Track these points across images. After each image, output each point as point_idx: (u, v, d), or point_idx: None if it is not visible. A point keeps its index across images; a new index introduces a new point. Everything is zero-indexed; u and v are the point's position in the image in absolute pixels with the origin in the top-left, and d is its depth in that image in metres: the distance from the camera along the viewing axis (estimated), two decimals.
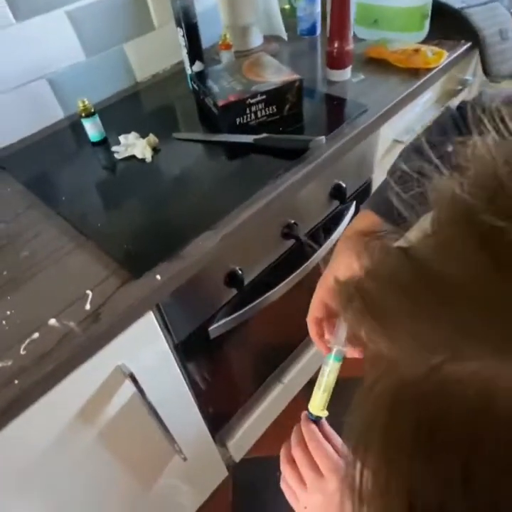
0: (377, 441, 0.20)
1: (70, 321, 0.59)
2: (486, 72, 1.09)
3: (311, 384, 1.36)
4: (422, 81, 0.95)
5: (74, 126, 0.98)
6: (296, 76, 0.88)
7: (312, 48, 1.19)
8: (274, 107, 0.88)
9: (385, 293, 0.19)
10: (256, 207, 0.72)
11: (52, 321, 0.59)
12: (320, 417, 0.46)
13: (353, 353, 0.45)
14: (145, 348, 0.70)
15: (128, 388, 0.69)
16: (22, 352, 0.56)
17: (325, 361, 0.47)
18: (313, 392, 0.48)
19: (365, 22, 1.10)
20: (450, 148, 0.47)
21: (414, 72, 0.97)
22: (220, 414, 1.06)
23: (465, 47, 1.04)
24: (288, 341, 1.18)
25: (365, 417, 0.20)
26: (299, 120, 0.91)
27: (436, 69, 0.97)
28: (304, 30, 1.20)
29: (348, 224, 1.01)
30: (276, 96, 0.87)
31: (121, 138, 0.88)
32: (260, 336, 1.04)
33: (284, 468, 0.44)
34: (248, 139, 0.84)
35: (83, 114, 0.87)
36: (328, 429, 0.45)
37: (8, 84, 0.90)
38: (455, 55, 1.01)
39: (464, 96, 1.24)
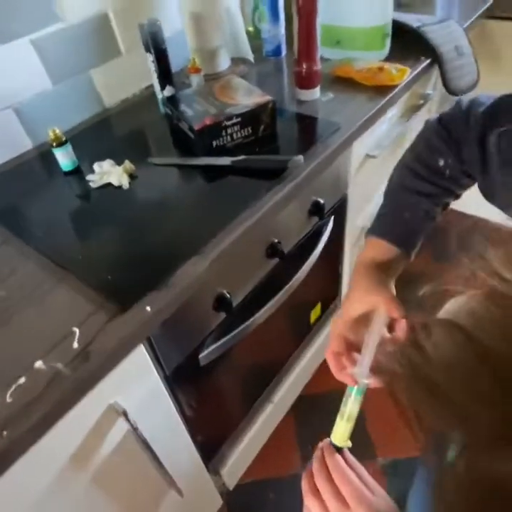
0: None
1: (58, 362, 0.56)
2: (446, 86, 1.14)
3: (301, 400, 1.36)
4: (388, 97, 0.99)
5: (43, 155, 0.95)
6: (268, 97, 0.89)
7: (278, 68, 1.21)
8: (249, 129, 0.89)
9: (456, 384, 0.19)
10: (241, 228, 0.71)
11: (39, 364, 0.56)
12: (342, 447, 0.46)
13: (376, 383, 0.44)
14: (136, 383, 0.67)
15: (121, 426, 0.66)
16: (8, 400, 0.53)
17: (347, 392, 0.47)
18: (336, 422, 0.47)
19: (328, 42, 1.13)
20: (441, 163, 0.49)
21: (380, 89, 1.01)
22: (212, 442, 1.03)
23: (425, 63, 1.09)
24: (275, 360, 1.17)
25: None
26: (274, 140, 0.92)
27: (401, 85, 1.01)
28: (269, 51, 1.23)
29: (328, 240, 1.02)
30: (250, 118, 0.87)
31: (96, 166, 0.86)
32: (249, 357, 1.02)
33: (308, 498, 0.43)
34: (226, 161, 0.84)
35: (54, 144, 0.84)
36: (351, 459, 0.44)
37: None
38: (417, 71, 1.06)
39: (427, 109, 1.29)
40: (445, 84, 1.14)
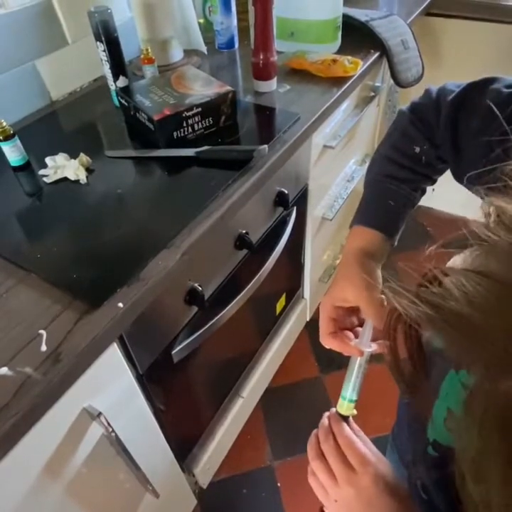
0: (497, 470, 0.19)
1: (26, 366, 0.52)
2: (395, 78, 1.18)
3: (268, 392, 1.36)
4: (344, 88, 1.01)
5: None
6: (228, 88, 0.88)
7: (232, 60, 1.20)
8: (210, 119, 0.87)
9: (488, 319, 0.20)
10: (210, 220, 0.70)
11: (4, 370, 0.52)
12: (347, 416, 0.47)
13: (380, 349, 0.46)
14: (110, 384, 0.64)
15: (96, 430, 0.63)
16: None
17: (351, 365, 0.49)
18: (342, 394, 0.48)
19: (282, 35, 1.14)
20: (417, 150, 0.51)
21: (335, 81, 1.03)
22: (185, 441, 1.01)
23: (375, 56, 1.12)
24: (244, 353, 1.17)
25: (476, 444, 0.20)
26: (235, 131, 0.91)
27: (355, 77, 1.04)
28: (222, 44, 1.21)
29: (291, 230, 1.03)
30: (211, 108, 0.86)
31: (48, 160, 0.81)
32: (219, 352, 1.01)
33: (314, 462, 0.44)
34: (190, 152, 0.82)
35: (1, 137, 0.78)
36: (355, 427, 0.46)
37: None
38: (368, 63, 1.09)
39: (377, 101, 1.34)
40: (393, 76, 1.18)
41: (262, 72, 1.00)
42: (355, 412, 0.48)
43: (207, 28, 1.24)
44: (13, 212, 0.75)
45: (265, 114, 0.96)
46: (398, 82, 1.20)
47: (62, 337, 0.55)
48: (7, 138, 0.79)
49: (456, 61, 1.57)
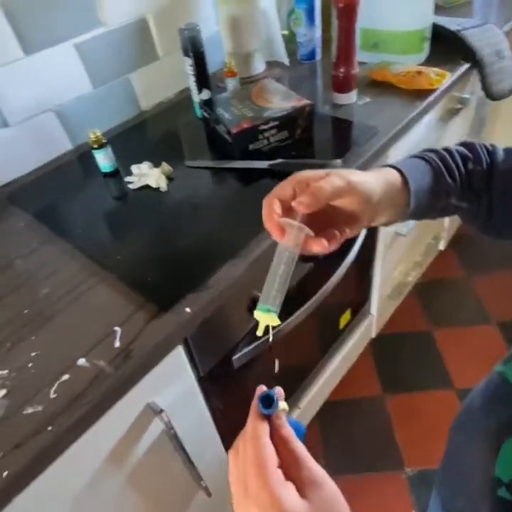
0: None
1: (100, 360, 0.57)
2: (486, 91, 1.11)
3: (327, 405, 1.34)
4: (427, 101, 0.97)
5: (82, 157, 0.97)
6: (306, 101, 0.89)
7: (313, 72, 1.21)
8: (285, 132, 0.89)
9: None
10: None
11: (82, 361, 0.57)
12: (272, 397, 0.36)
13: (317, 246, 0.39)
14: (173, 383, 0.67)
15: (157, 426, 0.66)
16: (52, 395, 0.54)
17: (272, 266, 0.39)
18: (258, 304, 0.39)
19: (365, 45, 1.12)
20: (470, 166, 0.48)
21: (418, 94, 0.99)
22: None
23: (465, 67, 1.07)
24: (304, 365, 1.17)
25: None
26: (310, 144, 0.91)
27: (440, 89, 0.99)
28: (304, 55, 1.22)
29: (362, 244, 1.01)
30: (288, 121, 0.87)
31: (134, 168, 0.88)
32: (279, 361, 1.02)
33: (230, 451, 0.36)
34: (263, 164, 0.84)
35: (95, 146, 0.86)
36: (280, 425, 0.35)
37: (16, 118, 0.89)
38: (456, 75, 1.04)
39: (464, 113, 1.26)
40: (485, 88, 1.11)
41: (342, 85, 0.99)
42: (275, 322, 0.39)
43: (290, 40, 1.26)
44: (100, 215, 0.82)
45: (342, 127, 0.96)
46: (490, 94, 1.12)
47: (134, 335, 0.59)
48: (100, 146, 0.86)
49: None
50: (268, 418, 0.36)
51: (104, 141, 0.86)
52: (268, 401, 0.37)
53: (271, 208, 0.40)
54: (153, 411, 0.64)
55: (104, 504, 0.67)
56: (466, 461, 0.43)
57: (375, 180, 0.42)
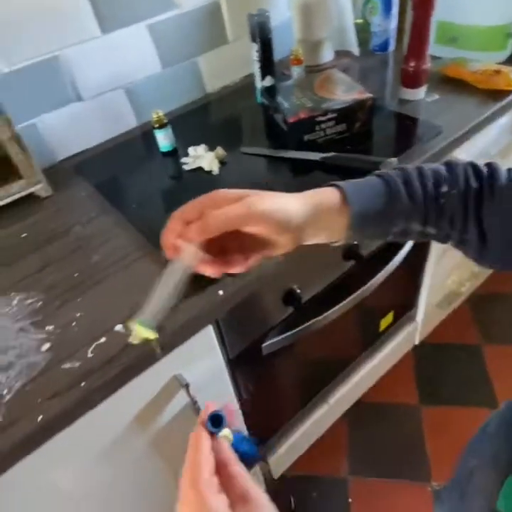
0: None
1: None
2: None
3: (359, 405, 1.33)
4: (503, 103, 0.91)
5: (145, 135, 1.02)
6: (368, 95, 0.86)
7: (384, 63, 1.16)
8: (343, 125, 0.87)
9: None
10: None
11: (119, 327, 0.61)
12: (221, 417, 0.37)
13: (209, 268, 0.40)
14: (200, 361, 0.70)
15: (182, 398, 0.70)
16: (89, 355, 0.58)
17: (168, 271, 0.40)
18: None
19: (441, 39, 1.06)
20: (444, 189, 0.43)
21: (493, 94, 0.93)
22: (263, 429, 1.05)
23: None
24: (337, 362, 1.16)
25: None
26: (368, 139, 0.89)
27: None
28: (376, 46, 1.18)
29: (412, 248, 0.98)
30: (347, 114, 0.86)
31: (191, 149, 0.90)
32: (311, 354, 1.02)
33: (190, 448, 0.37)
34: (316, 156, 0.83)
35: (157, 125, 0.89)
36: (220, 449, 0.36)
37: (89, 93, 0.95)
38: None
39: None
40: None
41: (411, 80, 0.95)
42: (152, 335, 0.39)
43: (363, 29, 1.22)
44: (154, 191, 0.85)
45: (404, 124, 0.92)
46: None
47: (169, 310, 0.62)
48: (161, 126, 0.90)
49: None
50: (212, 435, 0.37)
51: (165, 121, 0.90)
52: (217, 421, 0.38)
53: (171, 225, 0.40)
54: (180, 383, 0.67)
55: (126, 462, 0.72)
56: (471, 485, 0.42)
57: (300, 205, 0.41)
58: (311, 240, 0.43)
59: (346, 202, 0.42)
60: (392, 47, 1.18)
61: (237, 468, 0.35)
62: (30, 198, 0.86)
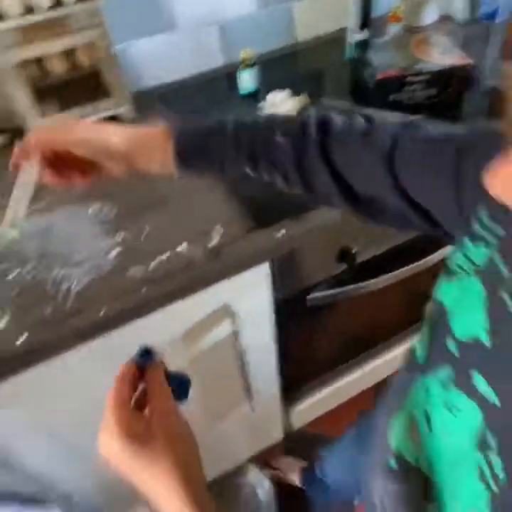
0: None
1: (197, 251, 0.64)
2: None
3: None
4: None
5: (229, 75, 1.02)
6: (468, 61, 0.81)
7: (488, 34, 1.08)
8: (434, 90, 0.83)
9: None
10: None
11: (181, 247, 0.65)
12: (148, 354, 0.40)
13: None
14: (250, 296, 0.73)
15: (227, 327, 0.74)
16: (150, 267, 0.63)
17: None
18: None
19: None
20: (279, 139, 0.44)
21: None
22: (294, 379, 1.09)
23: None
24: (381, 330, 1.16)
25: None
26: (457, 109, 0.85)
27: None
28: (484, 14, 1.10)
29: None
30: (440, 78, 0.82)
31: (270, 95, 0.90)
32: (355, 317, 1.03)
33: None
34: (398, 118, 0.80)
35: (243, 64, 0.90)
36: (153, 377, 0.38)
37: (185, 24, 0.96)
38: None
39: None
40: None
41: None
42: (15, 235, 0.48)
43: None
44: None
45: (498, 101, 0.86)
46: None
47: (231, 240, 0.65)
48: (247, 66, 0.90)
49: None
50: (143, 369, 0.39)
51: (253, 61, 0.89)
52: (148, 354, 0.40)
53: (24, 147, 0.47)
54: (228, 312, 0.71)
55: None
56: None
57: (125, 135, 0.46)
58: (144, 168, 0.48)
59: (170, 137, 0.46)
60: (503, 16, 1.09)
61: (164, 400, 0.37)
62: (114, 120, 0.90)
